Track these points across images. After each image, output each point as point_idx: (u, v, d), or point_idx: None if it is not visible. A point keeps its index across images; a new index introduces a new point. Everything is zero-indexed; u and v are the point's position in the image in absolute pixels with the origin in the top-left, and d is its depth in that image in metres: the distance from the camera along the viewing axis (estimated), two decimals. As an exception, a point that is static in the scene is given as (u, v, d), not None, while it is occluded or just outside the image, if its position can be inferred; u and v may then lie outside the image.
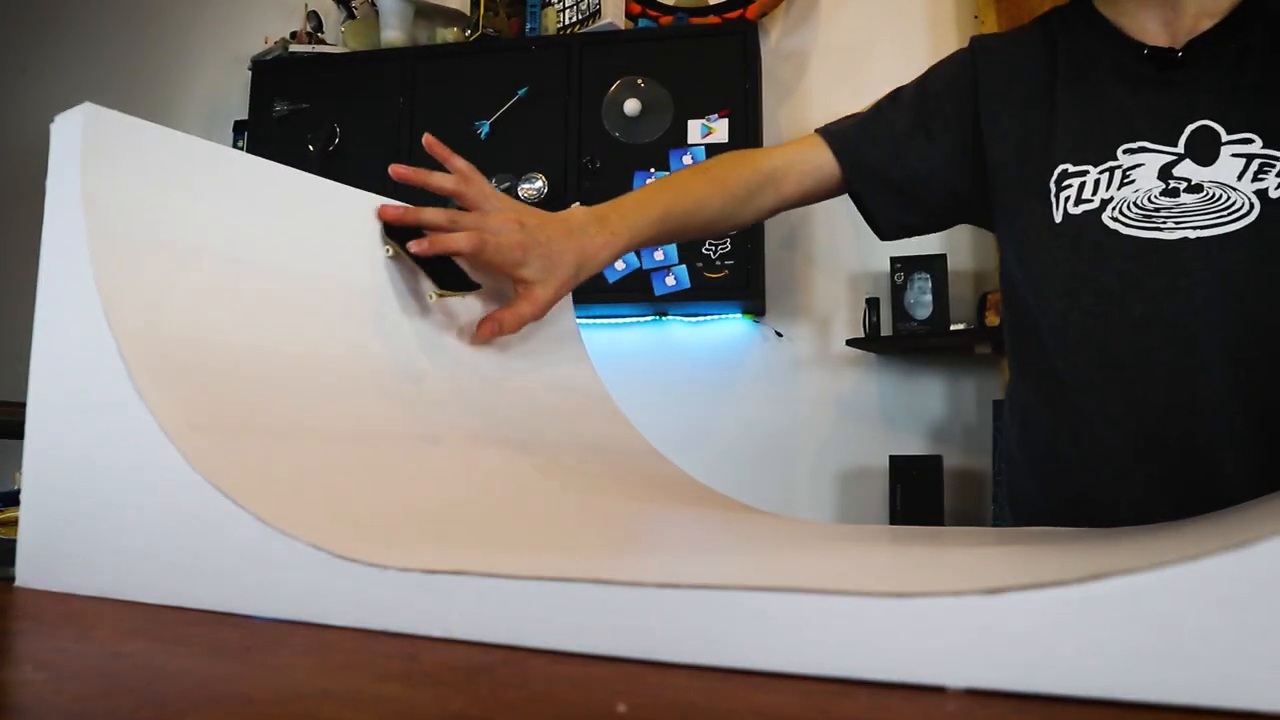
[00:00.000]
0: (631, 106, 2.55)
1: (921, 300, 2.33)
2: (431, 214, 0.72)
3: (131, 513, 0.45)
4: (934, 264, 2.31)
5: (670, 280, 2.46)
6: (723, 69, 2.53)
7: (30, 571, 0.49)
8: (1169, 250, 0.78)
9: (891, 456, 2.30)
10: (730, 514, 0.71)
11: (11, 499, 0.77)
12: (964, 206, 0.96)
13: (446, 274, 0.69)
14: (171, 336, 0.50)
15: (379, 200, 0.71)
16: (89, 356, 0.48)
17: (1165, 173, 0.80)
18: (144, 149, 0.54)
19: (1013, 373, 0.95)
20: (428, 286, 0.69)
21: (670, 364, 2.62)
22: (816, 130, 0.98)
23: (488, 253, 0.71)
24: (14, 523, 0.51)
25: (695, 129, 2.52)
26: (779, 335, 2.57)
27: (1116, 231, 0.81)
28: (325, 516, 0.45)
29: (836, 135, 0.96)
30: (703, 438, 2.54)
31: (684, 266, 2.46)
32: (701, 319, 2.63)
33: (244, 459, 0.47)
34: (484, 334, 0.72)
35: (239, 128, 3.03)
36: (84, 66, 3.54)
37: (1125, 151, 0.82)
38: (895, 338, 2.34)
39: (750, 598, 0.28)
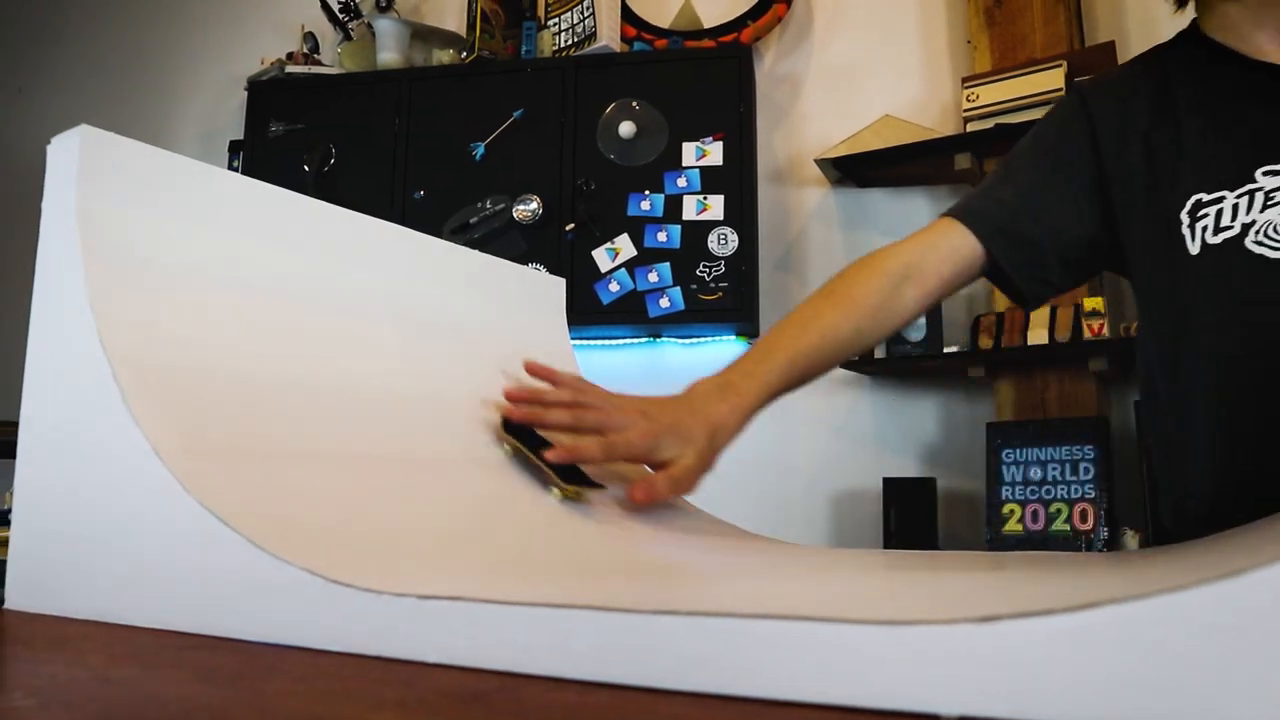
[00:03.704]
0: (626, 129, 2.56)
1: (915, 323, 2.34)
2: (557, 416, 0.71)
3: (123, 535, 0.45)
4: (927, 287, 2.32)
5: (664, 302, 2.46)
6: (717, 92, 2.55)
7: (20, 594, 0.49)
8: None
9: (885, 479, 2.30)
10: (724, 539, 0.71)
11: (2, 519, 0.77)
12: (1100, 253, 0.91)
13: (571, 471, 0.68)
14: (165, 358, 0.50)
15: (373, 223, 0.71)
16: (82, 377, 0.47)
17: None
18: (140, 171, 0.55)
19: (1158, 417, 0.91)
20: (551, 484, 0.67)
21: (664, 385, 2.60)
22: (944, 214, 0.92)
23: (618, 453, 0.70)
24: (4, 543, 0.51)
25: (690, 151, 2.53)
26: (773, 357, 2.57)
27: (1263, 256, 0.78)
28: (319, 540, 0.45)
29: (967, 211, 0.90)
30: (696, 459, 2.53)
31: (678, 289, 2.46)
32: (695, 341, 2.63)
33: (237, 481, 0.47)
34: (638, 497, 0.70)
35: (235, 148, 3.04)
36: (81, 86, 3.55)
37: (1266, 173, 0.79)
38: (889, 360, 2.35)
39: (745, 625, 0.28)
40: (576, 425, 0.71)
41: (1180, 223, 0.82)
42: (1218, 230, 0.80)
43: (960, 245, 0.89)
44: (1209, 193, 0.81)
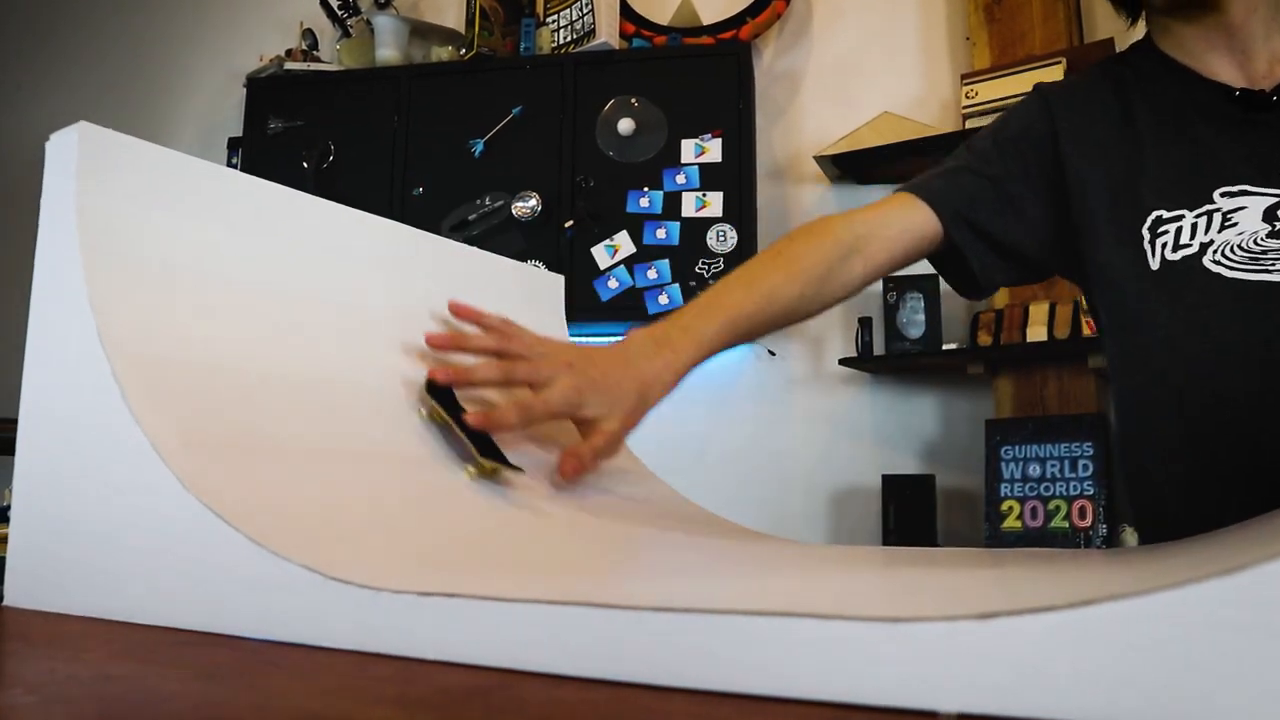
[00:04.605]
0: (625, 126, 2.56)
1: (914, 320, 2.34)
2: (485, 373, 0.67)
3: (122, 532, 0.45)
4: (926, 284, 2.32)
5: (664, 299, 2.46)
6: (716, 89, 2.55)
7: (19, 591, 0.49)
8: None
9: (884, 475, 2.30)
10: (724, 536, 0.71)
11: (1, 516, 0.77)
12: (1053, 258, 0.91)
13: (489, 445, 0.63)
14: (164, 355, 0.50)
15: (371, 220, 0.71)
16: (82, 374, 0.47)
17: (1271, 215, 0.78)
18: (139, 168, 0.55)
19: (1121, 421, 0.91)
20: (465, 458, 0.62)
21: (663, 382, 2.62)
22: (900, 189, 0.90)
23: (536, 416, 0.67)
24: (3, 540, 0.51)
25: (689, 148, 2.53)
26: (772, 354, 2.57)
27: (1220, 275, 0.78)
28: (318, 537, 0.45)
29: (927, 189, 0.89)
30: (695, 457, 2.53)
31: (677, 285, 2.46)
32: (694, 337, 2.63)
33: (237, 479, 0.47)
34: (567, 472, 0.67)
35: (234, 144, 3.04)
36: (80, 83, 3.55)
37: (1224, 195, 0.80)
38: (888, 357, 2.35)
39: (745, 622, 0.28)
40: (507, 380, 0.68)
41: (1142, 238, 0.83)
42: (1177, 247, 0.81)
43: (919, 223, 0.87)
44: (1169, 210, 0.82)
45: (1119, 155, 0.86)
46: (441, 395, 0.64)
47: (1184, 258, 0.80)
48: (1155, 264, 0.82)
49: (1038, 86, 0.94)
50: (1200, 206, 0.81)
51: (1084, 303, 2.08)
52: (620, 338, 0.75)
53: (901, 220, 0.88)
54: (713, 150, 2.51)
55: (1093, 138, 0.87)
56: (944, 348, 2.29)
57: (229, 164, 2.95)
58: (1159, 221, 0.82)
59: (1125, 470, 0.92)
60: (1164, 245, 0.81)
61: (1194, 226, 0.80)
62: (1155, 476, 0.86)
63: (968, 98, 2.31)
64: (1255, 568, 0.23)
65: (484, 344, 0.70)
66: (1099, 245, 0.86)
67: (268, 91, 2.89)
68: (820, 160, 2.50)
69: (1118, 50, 2.15)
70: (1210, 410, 0.80)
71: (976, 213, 0.88)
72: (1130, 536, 2.00)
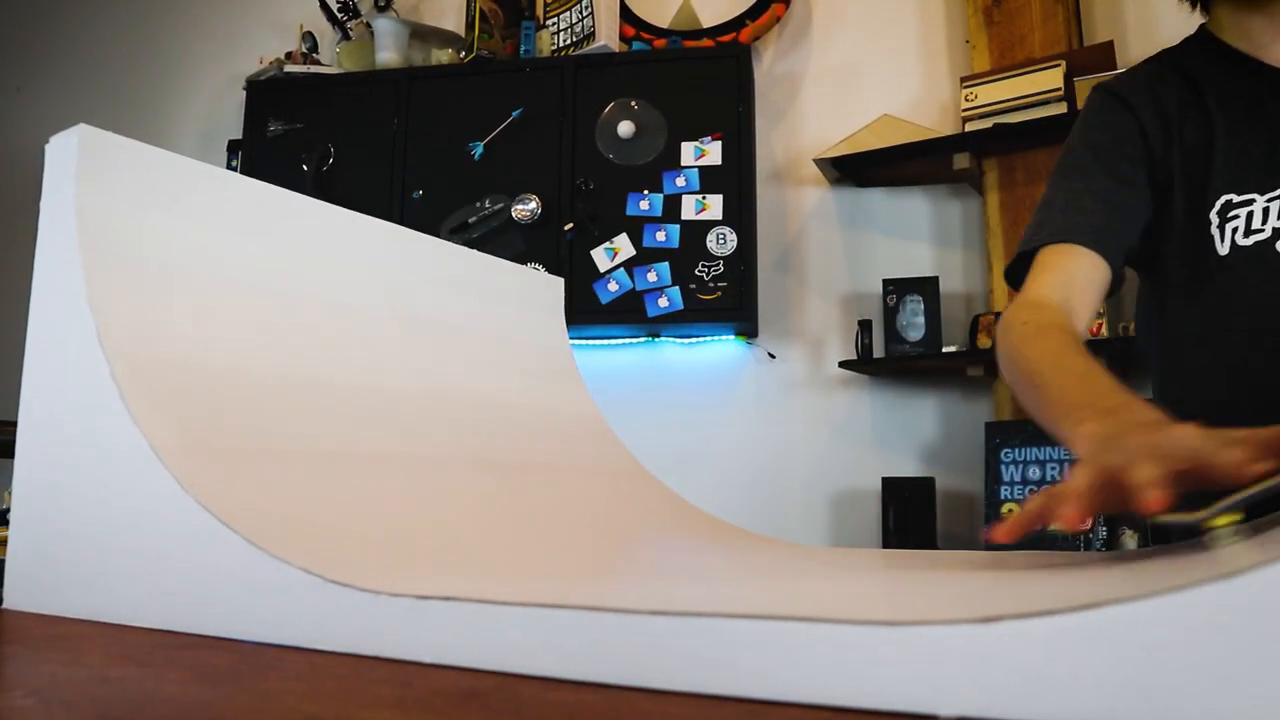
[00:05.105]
0: (625, 128, 2.56)
1: (914, 322, 2.34)
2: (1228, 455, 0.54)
3: (121, 535, 0.45)
4: (926, 286, 2.32)
5: (663, 302, 2.46)
6: (716, 92, 2.55)
7: (18, 594, 0.49)
8: None
9: (884, 478, 2.30)
10: (723, 538, 0.71)
11: (1, 519, 0.77)
12: (1145, 248, 0.89)
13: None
14: (163, 358, 0.50)
15: (371, 222, 0.71)
16: (81, 376, 0.47)
17: None
18: (138, 170, 0.55)
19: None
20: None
21: (663, 385, 2.62)
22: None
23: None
24: (3, 543, 0.51)
25: (688, 151, 2.53)
26: (771, 357, 2.57)
27: None
28: (317, 539, 0.45)
29: (1087, 233, 0.84)
30: (695, 459, 2.53)
31: (677, 288, 2.46)
32: (694, 341, 2.63)
33: (235, 481, 0.47)
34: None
35: (233, 147, 3.04)
36: (79, 86, 3.55)
37: None
38: (887, 360, 2.35)
39: (743, 625, 0.28)
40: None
41: (1210, 222, 0.82)
42: (1248, 233, 0.80)
43: (1095, 275, 0.84)
44: (1239, 194, 0.82)
45: (1191, 140, 0.86)
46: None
47: (1256, 243, 0.80)
48: (1224, 249, 0.81)
49: (1104, 86, 0.93)
50: (1272, 190, 0.80)
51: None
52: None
53: (1084, 277, 0.84)
54: (712, 153, 2.51)
55: (1168, 125, 0.88)
56: (944, 350, 2.29)
57: (229, 166, 2.95)
58: (1229, 206, 0.82)
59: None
60: (1234, 230, 0.81)
61: (1265, 211, 0.80)
62: None
63: (967, 100, 2.31)
64: (1252, 572, 0.23)
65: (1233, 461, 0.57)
66: (1168, 228, 0.86)
67: (267, 94, 2.89)
68: (820, 163, 2.50)
69: (1116, 51, 2.16)
70: (1274, 405, 0.78)
71: (1123, 238, 0.86)
72: (1130, 539, 2.00)
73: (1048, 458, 2.11)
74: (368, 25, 2.95)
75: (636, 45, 2.71)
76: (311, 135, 2.79)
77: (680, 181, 2.52)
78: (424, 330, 0.71)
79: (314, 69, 2.92)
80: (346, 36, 3.03)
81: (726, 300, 2.43)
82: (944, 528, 2.31)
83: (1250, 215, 0.81)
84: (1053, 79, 2.18)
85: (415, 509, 0.56)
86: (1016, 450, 2.14)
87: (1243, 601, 0.22)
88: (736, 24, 2.66)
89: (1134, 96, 0.90)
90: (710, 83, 2.56)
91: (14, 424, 0.51)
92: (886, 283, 2.36)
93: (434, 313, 0.73)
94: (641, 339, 2.66)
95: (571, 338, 0.90)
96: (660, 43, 2.69)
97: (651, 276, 2.48)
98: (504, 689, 0.30)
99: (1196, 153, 0.85)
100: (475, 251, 0.82)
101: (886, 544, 2.25)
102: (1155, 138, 0.88)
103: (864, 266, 2.50)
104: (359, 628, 0.36)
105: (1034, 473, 2.11)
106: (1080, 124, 0.93)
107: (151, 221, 0.54)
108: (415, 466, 0.60)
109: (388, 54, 2.85)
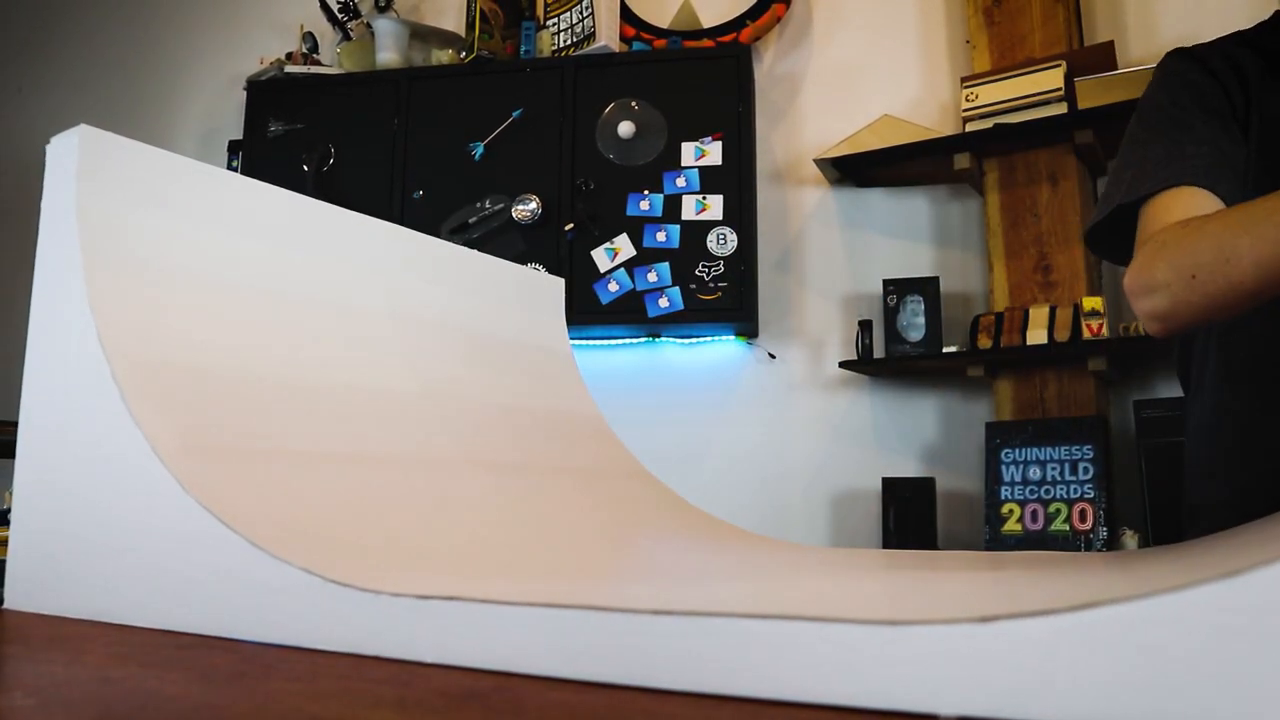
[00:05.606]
0: (625, 129, 2.56)
1: (914, 323, 2.34)
2: None
3: (122, 535, 0.45)
4: (926, 286, 2.32)
5: (664, 302, 2.46)
6: (716, 92, 2.55)
7: (19, 594, 0.49)
8: None
9: (884, 478, 2.30)
10: (723, 539, 0.71)
11: (1, 519, 0.77)
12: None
13: None
14: (164, 358, 0.50)
15: (371, 222, 0.71)
16: (81, 377, 0.47)
17: None
18: (139, 171, 0.55)
19: (1218, 386, 0.90)
20: None
21: (663, 386, 2.62)
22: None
23: None
24: (3, 543, 0.51)
25: (689, 151, 2.53)
26: (772, 357, 2.57)
27: None
28: (317, 540, 0.45)
29: (1201, 175, 0.84)
30: (695, 459, 2.53)
31: (677, 288, 2.46)
32: (694, 341, 2.63)
33: (236, 481, 0.47)
34: None
35: (234, 148, 3.04)
36: (80, 86, 3.55)
37: None
38: (888, 360, 2.35)
39: (743, 625, 0.28)
40: None
41: None
42: None
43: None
44: None
45: (1270, 113, 0.86)
46: None
47: None
48: None
49: (1182, 51, 0.93)
50: None
51: (1084, 305, 2.08)
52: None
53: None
54: (713, 153, 2.51)
55: (1246, 90, 0.88)
56: (944, 350, 2.29)
57: (229, 167, 2.95)
58: None
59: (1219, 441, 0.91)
60: None
61: None
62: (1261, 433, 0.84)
63: (968, 100, 2.31)
64: (1253, 571, 0.23)
65: None
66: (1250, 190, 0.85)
67: (268, 94, 2.89)
68: (820, 163, 2.50)
69: (1117, 52, 2.16)
70: None
71: (1234, 181, 0.85)
72: (1130, 540, 2.00)
73: (1049, 458, 2.11)
74: (368, 25, 2.96)
75: (637, 45, 2.71)
76: (312, 135, 2.79)
77: (680, 182, 2.52)
78: (424, 330, 0.71)
79: (314, 69, 2.92)
80: (347, 37, 3.03)
81: (727, 300, 2.43)
82: (944, 528, 2.31)
83: None
84: (1053, 79, 2.18)
85: (416, 509, 0.56)
86: (1017, 450, 2.14)
87: (1243, 601, 0.22)
88: (737, 24, 2.66)
89: (1212, 61, 0.90)
90: (710, 83, 2.56)
91: (14, 424, 0.51)
92: (887, 283, 2.36)
93: (434, 313, 0.73)
94: (642, 339, 2.66)
95: (572, 338, 0.90)
96: (660, 43, 2.70)
97: (652, 277, 2.49)
98: (504, 689, 0.30)
99: (1275, 124, 0.85)
100: (475, 252, 0.82)
101: (886, 544, 2.25)
102: (1238, 98, 0.88)
103: (864, 267, 2.50)
104: (360, 628, 0.36)
105: (1034, 473, 2.11)
106: (1160, 85, 0.93)
107: (152, 221, 0.54)
108: (416, 466, 0.60)
109: (388, 54, 2.85)
